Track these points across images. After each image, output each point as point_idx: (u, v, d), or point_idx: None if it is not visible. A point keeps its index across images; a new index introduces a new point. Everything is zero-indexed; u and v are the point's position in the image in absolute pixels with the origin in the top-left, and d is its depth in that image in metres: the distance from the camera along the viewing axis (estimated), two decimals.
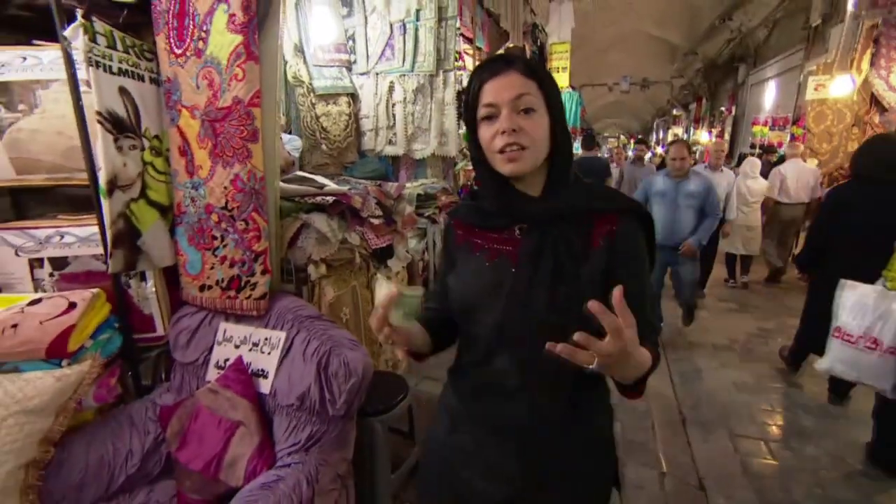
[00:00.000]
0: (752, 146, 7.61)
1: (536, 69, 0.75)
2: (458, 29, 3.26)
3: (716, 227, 3.18)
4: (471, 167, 4.15)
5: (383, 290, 0.69)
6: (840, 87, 4.12)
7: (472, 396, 0.86)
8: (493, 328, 0.79)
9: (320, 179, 1.78)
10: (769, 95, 7.98)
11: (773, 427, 2.35)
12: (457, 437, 0.87)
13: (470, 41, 4.21)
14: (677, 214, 3.00)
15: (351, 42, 3.25)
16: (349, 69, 3.26)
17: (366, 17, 3.20)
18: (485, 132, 0.75)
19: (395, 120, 3.28)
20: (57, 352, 1.23)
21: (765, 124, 7.37)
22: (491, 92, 0.73)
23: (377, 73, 3.24)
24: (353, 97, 3.27)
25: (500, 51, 5.49)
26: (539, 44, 7.87)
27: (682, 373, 2.92)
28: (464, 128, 3.60)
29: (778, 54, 7.44)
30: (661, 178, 3.10)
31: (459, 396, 0.89)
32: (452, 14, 3.08)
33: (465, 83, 4.09)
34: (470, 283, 0.82)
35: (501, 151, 0.73)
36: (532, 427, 0.80)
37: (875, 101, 3.57)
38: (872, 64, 3.50)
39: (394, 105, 3.25)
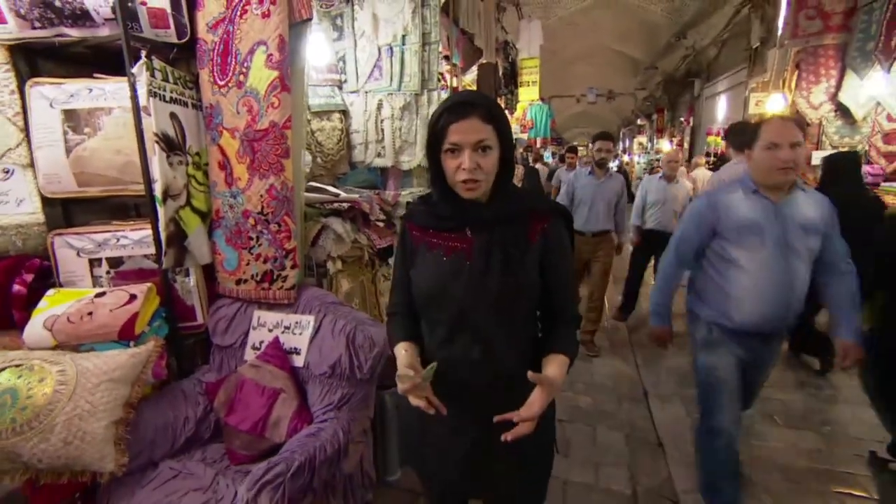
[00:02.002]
0: (708, 154, 8.27)
1: (494, 114, 0.88)
2: (441, 53, 3.60)
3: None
4: None
5: (409, 379, 0.87)
6: (775, 103, 4.69)
7: (441, 373, 0.96)
8: (455, 311, 0.94)
9: (332, 189, 2.06)
10: (721, 108, 8.68)
11: None
12: (429, 418, 0.99)
13: (447, 58, 4.56)
14: (789, 270, 1.52)
15: (341, 63, 3.54)
16: (340, 88, 3.55)
17: (355, 41, 3.50)
18: (449, 163, 0.89)
19: (383, 134, 3.56)
20: (126, 334, 1.47)
21: (717, 134, 8.02)
22: (456, 133, 0.86)
23: (366, 92, 3.53)
24: (345, 113, 3.55)
25: (474, 67, 5.91)
26: (511, 60, 8.35)
27: (644, 356, 3.31)
28: None
29: (727, 71, 8.14)
30: (737, 198, 1.57)
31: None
32: (436, 40, 3.41)
33: None
34: (432, 275, 0.96)
35: (464, 182, 0.88)
36: (490, 392, 0.96)
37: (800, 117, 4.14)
38: (797, 85, 4.05)
39: (382, 121, 3.54)
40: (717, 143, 8.17)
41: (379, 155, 3.65)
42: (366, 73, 3.53)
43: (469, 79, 5.79)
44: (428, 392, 0.89)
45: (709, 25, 8.06)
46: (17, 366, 1.29)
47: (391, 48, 3.42)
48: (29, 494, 1.23)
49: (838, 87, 3.79)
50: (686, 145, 10.88)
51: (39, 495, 1.24)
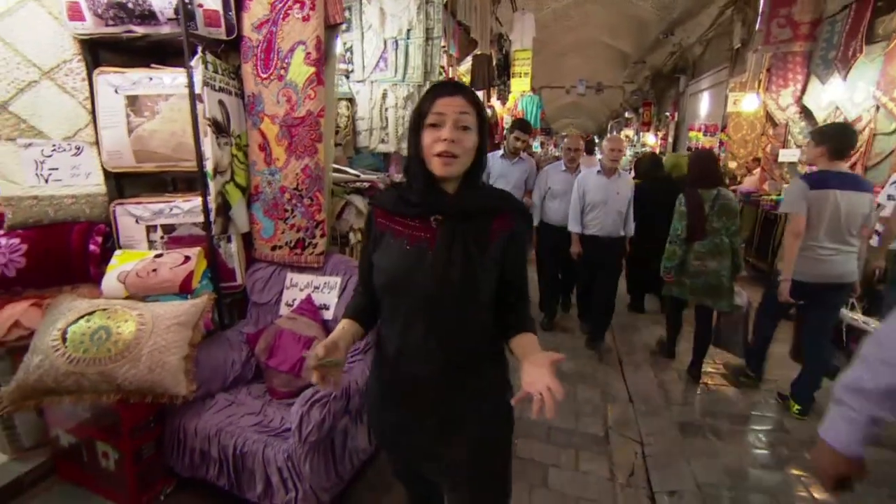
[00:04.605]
0: (689, 149, 8.66)
1: (476, 101, 0.94)
2: (443, 47, 3.84)
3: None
4: None
5: (315, 358, 0.88)
6: (750, 103, 5.05)
7: (395, 360, 0.99)
8: (414, 300, 0.94)
9: (352, 171, 2.33)
10: (703, 105, 9.06)
11: (685, 362, 3.12)
12: (385, 403, 1.05)
13: (444, 50, 4.78)
14: None
15: (348, 53, 3.77)
16: (347, 77, 3.78)
17: (362, 33, 3.73)
18: (428, 136, 0.91)
19: (387, 122, 3.82)
20: (185, 288, 1.74)
21: (699, 130, 8.41)
22: (442, 105, 0.90)
23: (372, 82, 3.77)
24: (352, 101, 3.79)
25: (468, 58, 6.15)
26: (504, 51, 8.57)
27: (621, 327, 3.68)
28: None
29: (710, 69, 8.50)
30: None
31: (384, 363, 1.03)
32: (438, 35, 3.66)
33: None
34: (393, 263, 0.96)
35: (439, 155, 0.89)
36: (443, 380, 0.97)
37: (769, 117, 4.50)
38: (767, 87, 4.41)
39: (386, 109, 3.79)
40: (698, 138, 8.58)
41: (383, 141, 3.92)
42: (372, 64, 3.79)
43: (463, 69, 6.02)
44: (334, 374, 0.90)
45: (695, 24, 8.38)
46: (104, 310, 1.56)
47: (396, 41, 3.67)
48: (121, 411, 1.51)
49: (803, 91, 4.14)
50: (670, 139, 11.30)
51: (129, 412, 1.52)
